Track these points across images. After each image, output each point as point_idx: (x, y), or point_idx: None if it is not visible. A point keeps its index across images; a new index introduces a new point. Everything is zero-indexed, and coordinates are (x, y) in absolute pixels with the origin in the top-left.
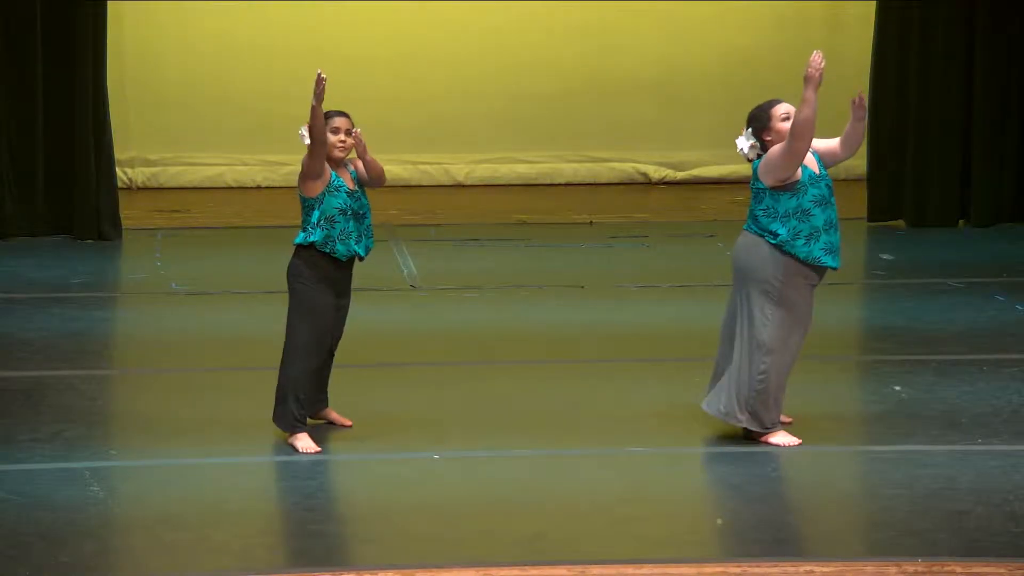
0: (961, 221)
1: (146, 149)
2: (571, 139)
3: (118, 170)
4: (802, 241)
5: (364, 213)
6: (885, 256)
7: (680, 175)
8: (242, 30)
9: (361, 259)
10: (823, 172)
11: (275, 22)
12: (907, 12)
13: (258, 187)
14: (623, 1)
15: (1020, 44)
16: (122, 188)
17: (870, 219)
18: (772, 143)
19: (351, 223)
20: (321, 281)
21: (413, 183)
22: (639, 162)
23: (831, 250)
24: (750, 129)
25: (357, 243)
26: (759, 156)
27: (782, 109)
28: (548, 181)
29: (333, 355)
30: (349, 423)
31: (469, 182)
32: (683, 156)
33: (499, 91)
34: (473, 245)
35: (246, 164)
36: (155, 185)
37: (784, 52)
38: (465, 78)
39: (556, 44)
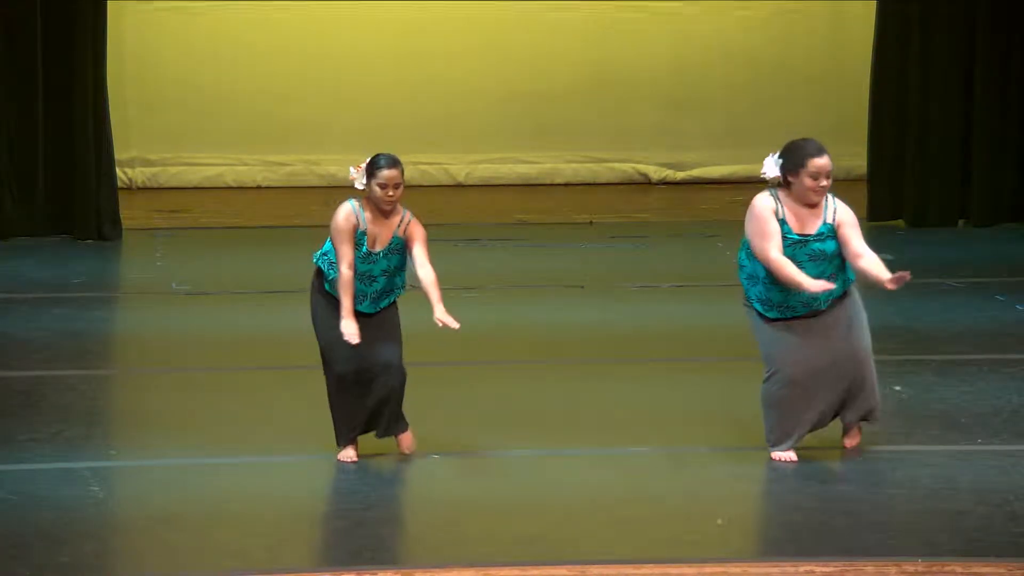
0: (961, 221)
1: (146, 149)
2: (571, 139)
3: (118, 170)
4: (759, 287)
5: (376, 276)
6: (885, 256)
7: (680, 175)
8: (242, 30)
9: (366, 314)
10: (809, 236)
11: (275, 22)
12: (907, 12)
13: (258, 187)
14: (624, 1)
15: (1020, 44)
16: (122, 188)
17: (870, 219)
18: (793, 187)
19: (354, 283)
20: (325, 298)
21: (413, 183)
22: (639, 162)
23: (768, 304)
24: (781, 160)
25: (356, 302)
26: (777, 185)
27: (816, 165)
28: (548, 181)
29: (382, 384)
30: (406, 450)
31: (469, 182)
32: (683, 156)
33: (499, 91)
34: (473, 245)
35: (246, 164)
36: (155, 185)
37: (785, 52)
38: (465, 78)
39: (556, 44)
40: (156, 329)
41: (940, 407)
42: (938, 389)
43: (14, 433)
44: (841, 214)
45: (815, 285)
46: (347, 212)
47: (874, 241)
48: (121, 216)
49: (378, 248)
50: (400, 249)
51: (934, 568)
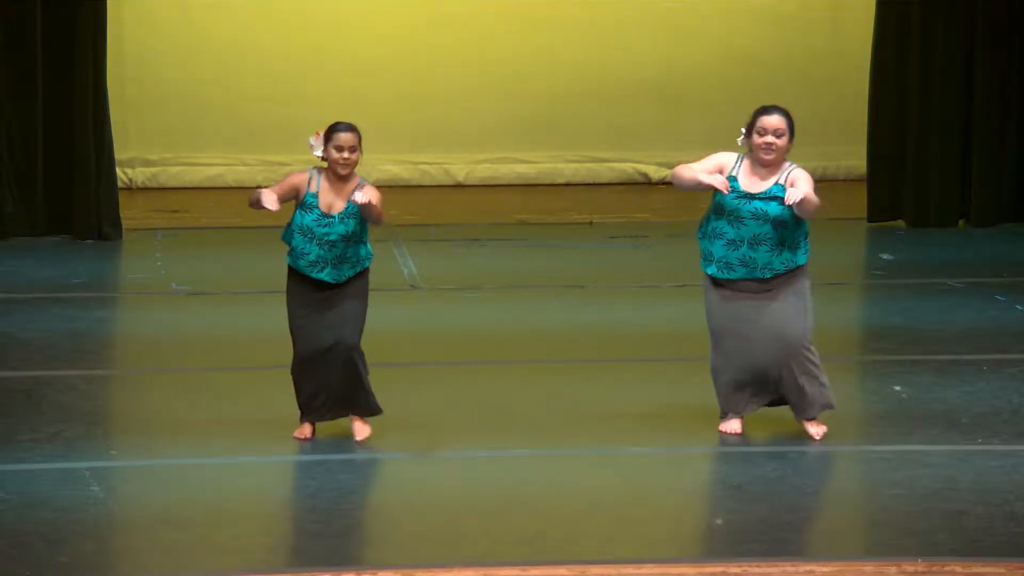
0: (961, 221)
1: (146, 149)
2: (571, 139)
3: (118, 170)
4: (705, 241)
5: (334, 241)
6: (885, 256)
7: None
8: (242, 30)
9: (330, 285)
10: (754, 194)
11: (275, 22)
12: (907, 12)
13: (258, 187)
14: (623, 1)
15: (1020, 44)
16: (122, 188)
17: (870, 219)
18: (751, 147)
19: (312, 246)
20: (294, 278)
21: (413, 183)
22: (639, 162)
23: (710, 258)
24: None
25: (316, 269)
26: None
27: (763, 122)
28: (548, 181)
29: (339, 363)
30: (358, 437)
31: (469, 182)
32: (683, 156)
33: (499, 91)
34: (473, 245)
35: (246, 164)
36: (155, 185)
37: (784, 52)
38: (465, 78)
39: (556, 44)
40: (156, 329)
41: (940, 407)
42: (938, 389)
43: (14, 433)
44: (794, 174)
45: (710, 180)
46: (302, 171)
47: (874, 241)
48: (121, 216)
49: (334, 212)
50: (356, 214)
51: (934, 568)
